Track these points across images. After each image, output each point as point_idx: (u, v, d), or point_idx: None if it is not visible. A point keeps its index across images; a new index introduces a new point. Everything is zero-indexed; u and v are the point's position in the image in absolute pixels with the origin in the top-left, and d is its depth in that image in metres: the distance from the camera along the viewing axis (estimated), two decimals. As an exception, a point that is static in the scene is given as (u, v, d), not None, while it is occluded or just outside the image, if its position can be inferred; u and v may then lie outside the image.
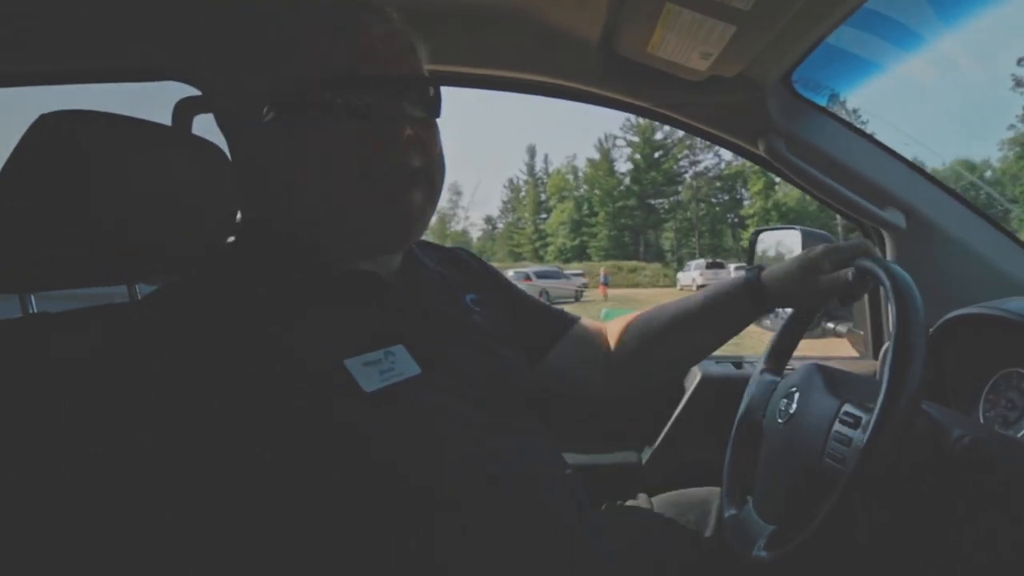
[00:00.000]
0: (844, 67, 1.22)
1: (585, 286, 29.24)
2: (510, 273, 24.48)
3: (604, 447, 0.98)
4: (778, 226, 1.50)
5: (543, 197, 62.84)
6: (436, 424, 0.63)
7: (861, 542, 0.73)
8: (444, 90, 0.70)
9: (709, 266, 31.20)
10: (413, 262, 0.78)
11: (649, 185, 54.26)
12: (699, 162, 54.32)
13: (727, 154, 49.26)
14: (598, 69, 1.12)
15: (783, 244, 1.49)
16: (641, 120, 52.51)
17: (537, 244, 60.93)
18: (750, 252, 1.47)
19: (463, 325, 0.78)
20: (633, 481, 1.08)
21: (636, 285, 40.25)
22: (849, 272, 0.78)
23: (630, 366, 0.94)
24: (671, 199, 55.04)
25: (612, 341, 0.95)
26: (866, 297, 1.38)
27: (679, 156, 53.92)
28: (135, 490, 0.50)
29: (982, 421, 0.99)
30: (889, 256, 1.22)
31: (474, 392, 0.69)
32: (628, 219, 55.03)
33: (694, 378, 1.32)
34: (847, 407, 0.75)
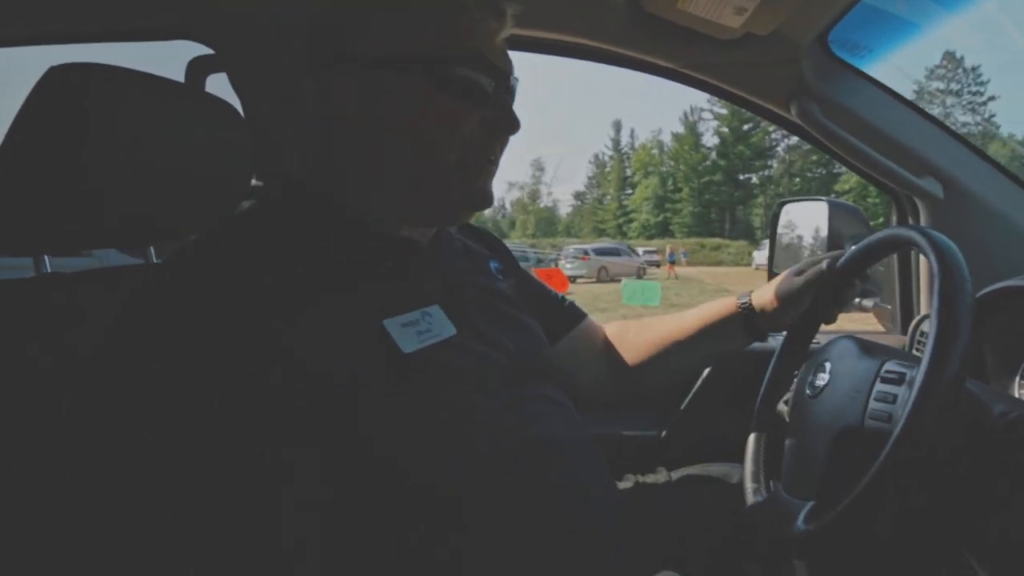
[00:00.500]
0: (883, 27, 1.16)
1: (656, 264, 28.58)
2: (569, 249, 24.10)
3: (623, 420, 0.96)
4: (805, 197, 1.45)
5: (628, 173, 61.31)
6: (471, 386, 0.64)
7: (895, 523, 0.71)
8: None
9: (786, 245, 30.11)
10: (441, 230, 0.78)
11: (736, 159, 52.16)
12: (791, 135, 52.04)
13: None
14: (625, 27, 1.07)
15: (810, 216, 1.45)
16: None
17: (621, 220, 59.63)
18: (772, 226, 1.43)
19: (490, 291, 0.79)
20: (653, 455, 1.06)
21: (719, 263, 38.51)
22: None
23: (626, 375, 0.96)
24: (760, 174, 52.91)
25: (612, 347, 0.98)
26: (896, 269, 1.34)
27: (770, 129, 50.49)
28: (163, 463, 0.49)
29: (1018, 397, 0.96)
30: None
31: (503, 356, 0.70)
32: (713, 195, 53.35)
33: None
34: (889, 364, 0.73)
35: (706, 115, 54.99)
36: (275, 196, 0.70)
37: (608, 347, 0.97)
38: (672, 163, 56.79)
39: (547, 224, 65.38)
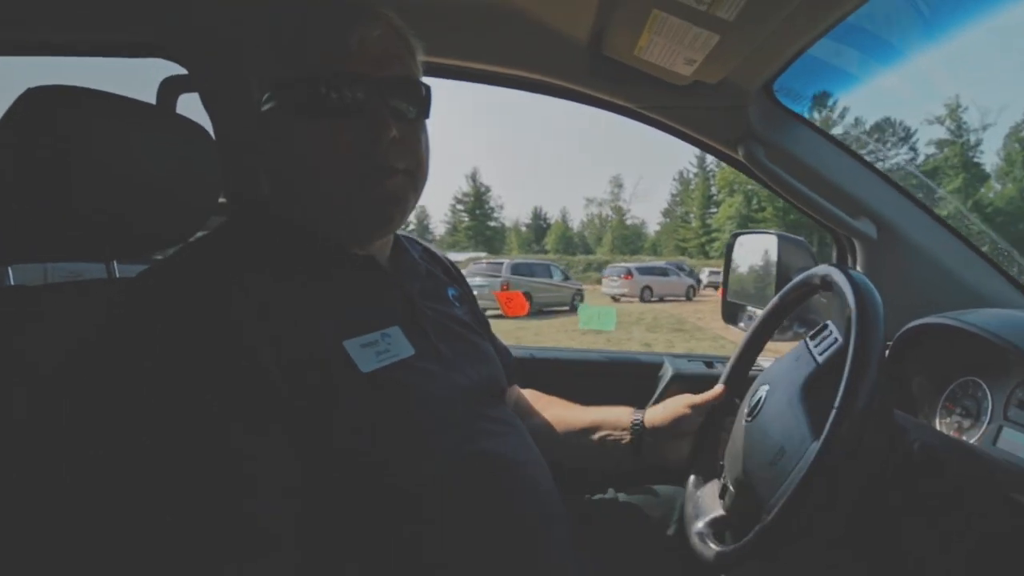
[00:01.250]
0: (824, 78, 1.25)
1: (713, 286, 26.08)
2: (613, 267, 22.99)
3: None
4: (756, 230, 1.53)
5: (713, 191, 58.65)
6: (427, 405, 0.66)
7: (822, 540, 0.76)
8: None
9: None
10: (402, 251, 0.82)
11: None
12: (888, 157, 49.08)
13: (926, 148, 43.82)
14: (586, 68, 1.13)
15: (761, 249, 1.53)
16: (818, 112, 49.55)
17: (703, 239, 57.13)
18: (727, 257, 1.51)
19: (448, 316, 0.82)
20: (603, 475, 1.10)
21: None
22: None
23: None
24: None
25: (521, 413, 0.98)
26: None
27: (863, 148, 49.47)
28: (138, 483, 0.51)
29: (939, 427, 1.03)
30: (860, 264, 1.26)
31: (461, 377, 0.73)
32: (800, 215, 50.49)
33: (666, 375, 1.35)
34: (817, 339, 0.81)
35: None
36: (242, 216, 0.73)
37: (518, 411, 0.99)
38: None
39: (626, 241, 63.06)
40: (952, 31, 1.26)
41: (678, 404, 0.93)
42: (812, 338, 0.86)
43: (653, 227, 67.00)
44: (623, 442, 0.94)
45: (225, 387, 0.53)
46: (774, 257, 1.39)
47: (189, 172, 0.85)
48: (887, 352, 1.13)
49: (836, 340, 0.81)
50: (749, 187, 53.06)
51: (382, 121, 0.66)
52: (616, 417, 0.96)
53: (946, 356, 1.03)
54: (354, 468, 0.59)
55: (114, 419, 0.52)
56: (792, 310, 0.99)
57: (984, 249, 1.22)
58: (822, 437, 0.65)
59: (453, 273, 0.95)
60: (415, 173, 0.71)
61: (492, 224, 62.28)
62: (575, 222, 68.17)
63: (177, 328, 0.54)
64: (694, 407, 0.92)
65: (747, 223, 50.62)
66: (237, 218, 0.73)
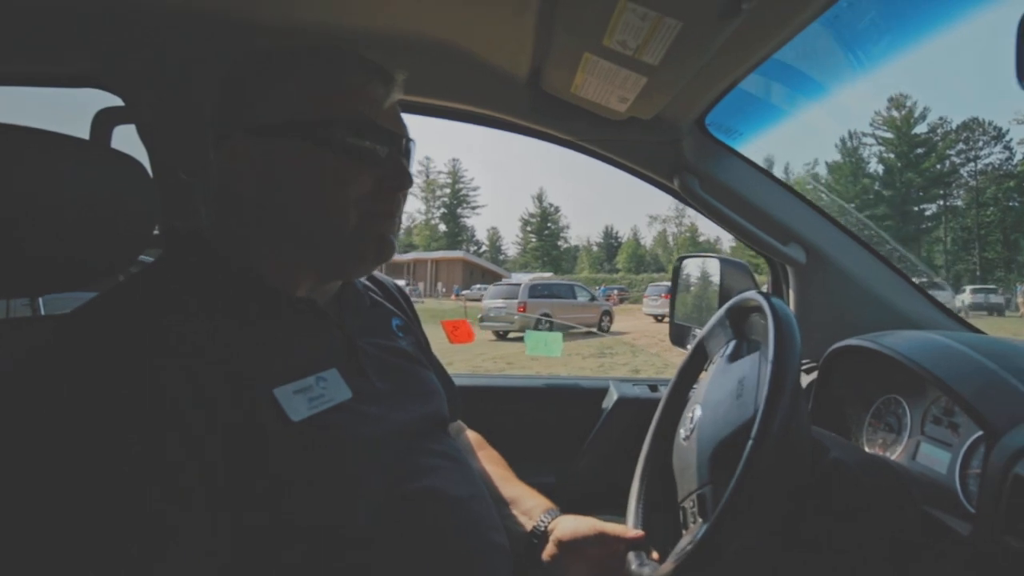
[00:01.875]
0: (753, 112, 1.32)
1: None
2: (654, 287, 21.57)
3: (521, 467, 1.01)
4: (700, 253, 1.58)
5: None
6: (362, 449, 0.66)
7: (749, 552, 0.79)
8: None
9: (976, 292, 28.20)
10: (345, 286, 0.81)
11: (904, 189, 46.12)
12: (980, 157, 44.49)
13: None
14: (527, 104, 1.17)
15: (705, 271, 1.58)
16: (896, 111, 45.16)
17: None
18: (673, 280, 1.55)
19: (390, 350, 0.81)
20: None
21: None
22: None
23: None
24: (940, 204, 45.83)
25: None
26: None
27: (946, 152, 44.56)
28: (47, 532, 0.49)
29: (864, 443, 1.08)
30: (791, 288, 1.32)
31: (401, 415, 0.73)
32: (870, 231, 46.00)
33: (611, 399, 1.38)
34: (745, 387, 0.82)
35: (868, 140, 49.08)
36: (178, 250, 0.71)
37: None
38: (826, 196, 48.68)
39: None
40: (873, 66, 1.35)
41: (585, 524, 0.82)
42: (731, 361, 0.90)
43: (727, 243, 63.51)
44: (521, 531, 0.85)
45: (142, 444, 0.52)
46: (717, 280, 1.45)
47: (120, 205, 0.84)
48: (817, 372, 1.18)
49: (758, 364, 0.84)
50: (824, 198, 50.66)
51: (405, 174, 0.71)
52: (531, 505, 0.88)
53: (871, 375, 1.09)
54: (282, 519, 0.58)
55: (15, 469, 0.50)
56: (724, 334, 1.04)
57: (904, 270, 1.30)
58: (740, 462, 0.69)
59: (399, 300, 0.95)
60: (399, 223, 0.76)
61: (561, 244, 61.17)
62: (648, 240, 66.64)
63: (94, 377, 0.53)
64: (600, 535, 0.81)
65: None
66: (172, 253, 0.72)
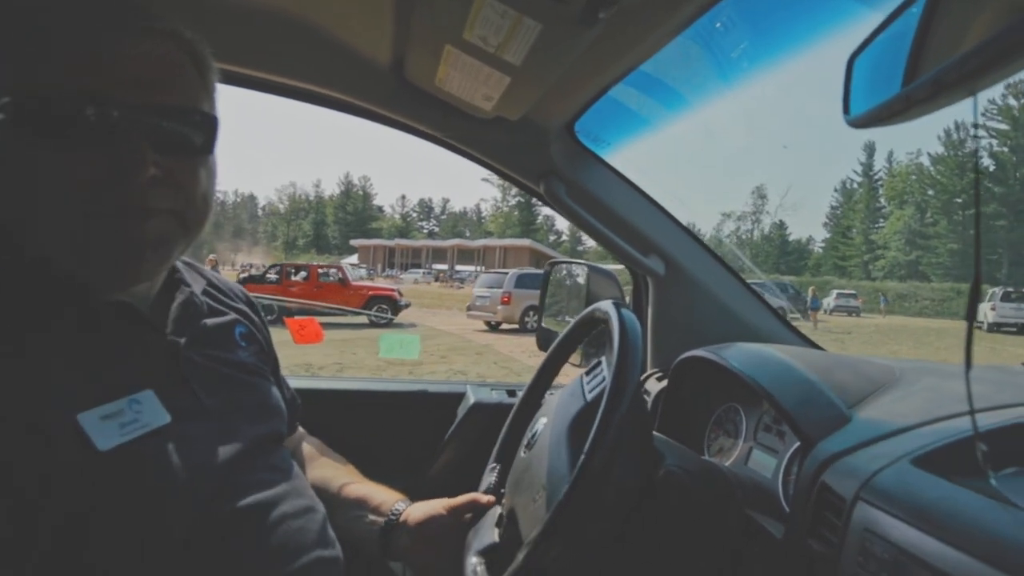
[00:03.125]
0: (621, 122, 1.34)
1: (854, 312, 24.37)
2: None
3: (370, 476, 0.96)
4: (570, 259, 1.60)
5: (882, 202, 52.02)
6: (177, 477, 0.59)
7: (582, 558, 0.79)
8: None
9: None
10: (176, 289, 0.72)
11: (1017, 186, 41.75)
12: None
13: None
14: (389, 92, 1.11)
15: (573, 276, 1.60)
16: (1015, 100, 41.73)
17: (867, 257, 50.12)
18: (543, 285, 1.56)
19: (227, 361, 0.74)
20: None
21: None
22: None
23: None
24: None
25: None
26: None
27: None
28: None
29: (706, 449, 1.14)
30: (651, 297, 1.36)
31: (228, 434, 0.67)
32: (983, 230, 37.82)
33: (467, 404, 1.36)
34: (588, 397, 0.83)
35: (978, 132, 44.98)
36: None
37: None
38: (931, 191, 46.72)
39: (786, 258, 54.76)
40: (738, 81, 1.42)
41: (436, 505, 0.83)
42: (587, 374, 0.90)
43: (818, 243, 59.83)
44: (374, 527, 0.83)
45: None
46: (582, 284, 1.46)
47: None
48: (666, 380, 1.23)
49: (604, 378, 0.85)
50: (922, 198, 46.18)
51: (135, 155, 0.56)
52: (381, 500, 0.85)
53: (714, 385, 1.14)
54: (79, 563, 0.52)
55: None
56: (579, 343, 1.04)
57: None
58: (573, 473, 0.68)
59: (243, 307, 0.86)
60: (184, 214, 0.62)
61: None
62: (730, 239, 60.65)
63: None
64: (451, 509, 0.82)
65: (917, 238, 44.95)
66: None
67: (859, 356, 1.10)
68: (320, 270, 15.01)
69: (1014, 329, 20.42)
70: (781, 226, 58.60)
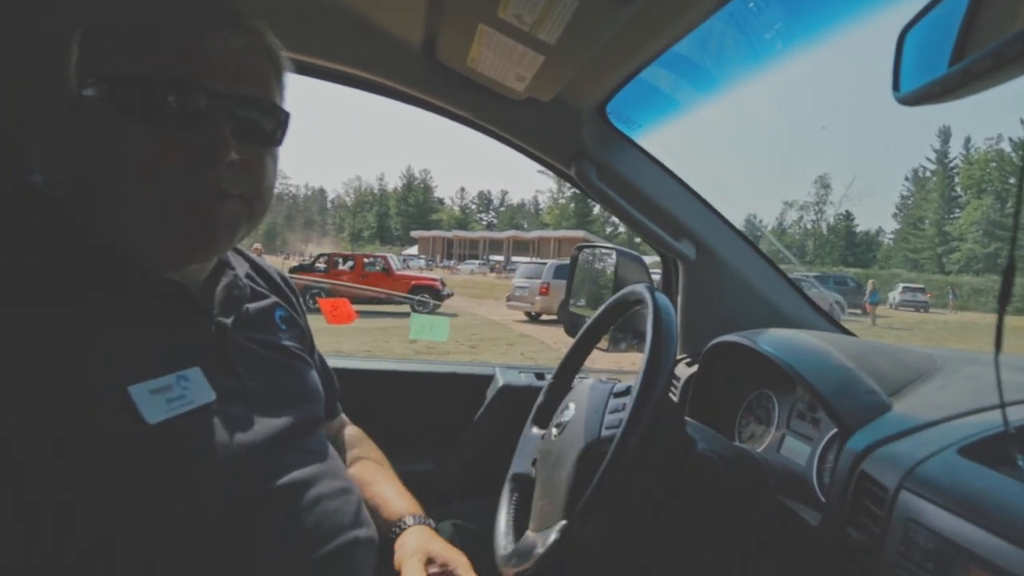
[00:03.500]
0: (653, 103, 1.32)
1: (922, 306, 23.26)
2: None
3: (399, 455, 0.97)
4: (599, 244, 1.59)
5: (957, 191, 48.69)
6: (219, 454, 0.60)
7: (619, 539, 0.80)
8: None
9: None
10: (221, 273, 0.74)
11: None
12: None
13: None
14: (421, 73, 1.11)
15: (603, 263, 1.59)
16: None
17: (940, 249, 47.24)
18: (571, 270, 1.55)
19: (268, 344, 0.76)
20: (425, 489, 1.08)
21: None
22: None
23: None
24: None
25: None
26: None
27: None
28: None
29: (738, 435, 1.12)
30: (681, 282, 1.34)
31: (270, 418, 0.68)
32: None
33: (495, 386, 1.36)
34: (619, 385, 0.84)
35: None
36: (14, 214, 0.61)
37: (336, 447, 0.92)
38: (1013, 179, 36.91)
39: (853, 250, 52.40)
40: (770, 64, 1.38)
41: (422, 551, 0.80)
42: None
43: (887, 234, 57.18)
44: (386, 541, 0.83)
45: None
46: (610, 271, 1.45)
47: None
48: (697, 365, 1.21)
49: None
50: (1003, 187, 43.15)
51: (221, 140, 0.59)
52: (394, 510, 0.86)
53: (746, 371, 1.13)
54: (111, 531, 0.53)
55: None
56: (608, 327, 1.04)
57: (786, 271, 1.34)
58: (611, 447, 0.68)
59: (284, 291, 0.88)
60: (252, 201, 0.65)
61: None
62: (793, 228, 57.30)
63: None
64: (430, 559, 0.80)
65: (996, 229, 42.07)
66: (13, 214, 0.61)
67: (897, 344, 1.07)
68: (366, 259, 15.54)
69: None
70: (848, 217, 55.62)
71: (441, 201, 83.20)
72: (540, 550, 0.72)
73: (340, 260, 15.45)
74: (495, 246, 55.63)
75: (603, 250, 1.53)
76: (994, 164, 45.73)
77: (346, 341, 7.94)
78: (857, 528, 0.70)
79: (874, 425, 0.77)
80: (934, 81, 0.58)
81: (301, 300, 0.91)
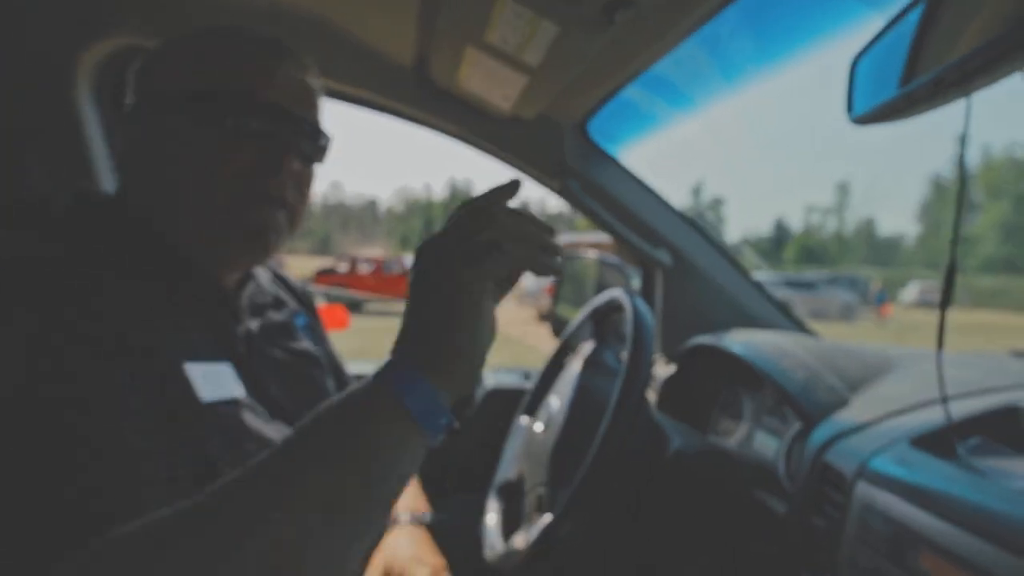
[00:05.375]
0: (631, 121, 1.39)
1: (926, 304, 22.82)
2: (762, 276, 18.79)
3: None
4: (583, 251, 1.64)
5: (978, 195, 48.36)
6: (243, 450, 0.63)
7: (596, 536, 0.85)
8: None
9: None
10: (248, 280, 0.78)
11: None
12: None
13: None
14: (414, 92, 1.16)
15: (585, 266, 1.64)
16: None
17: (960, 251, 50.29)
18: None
19: (291, 351, 0.79)
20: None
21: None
22: None
23: None
24: None
25: None
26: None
27: None
28: None
29: (711, 431, 1.18)
30: (658, 288, 1.41)
31: (289, 421, 0.71)
32: None
33: (483, 388, 1.41)
34: (598, 380, 0.88)
35: None
36: (86, 214, 0.67)
37: None
38: None
39: (877, 252, 53.09)
40: (743, 83, 1.45)
41: (389, 560, 0.84)
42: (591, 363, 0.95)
43: (909, 237, 57.21)
44: None
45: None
46: (591, 280, 1.51)
47: None
48: (675, 366, 1.28)
49: (608, 366, 0.90)
50: (1018, 191, 43.01)
51: (286, 151, 0.66)
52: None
53: (720, 370, 1.19)
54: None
55: None
56: (591, 328, 1.09)
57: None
58: (594, 444, 0.73)
59: (304, 300, 0.92)
60: (297, 211, 0.71)
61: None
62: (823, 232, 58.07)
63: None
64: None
65: (1013, 233, 43.40)
66: (81, 212, 0.67)
67: (857, 344, 1.14)
68: (383, 262, 16.60)
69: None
70: (868, 221, 57.70)
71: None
72: (525, 548, 0.77)
73: (362, 263, 16.60)
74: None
75: (587, 256, 1.59)
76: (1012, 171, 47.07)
77: (339, 342, 7.89)
78: (820, 516, 0.76)
79: (835, 419, 0.83)
80: (883, 104, 0.64)
81: (318, 316, 0.95)
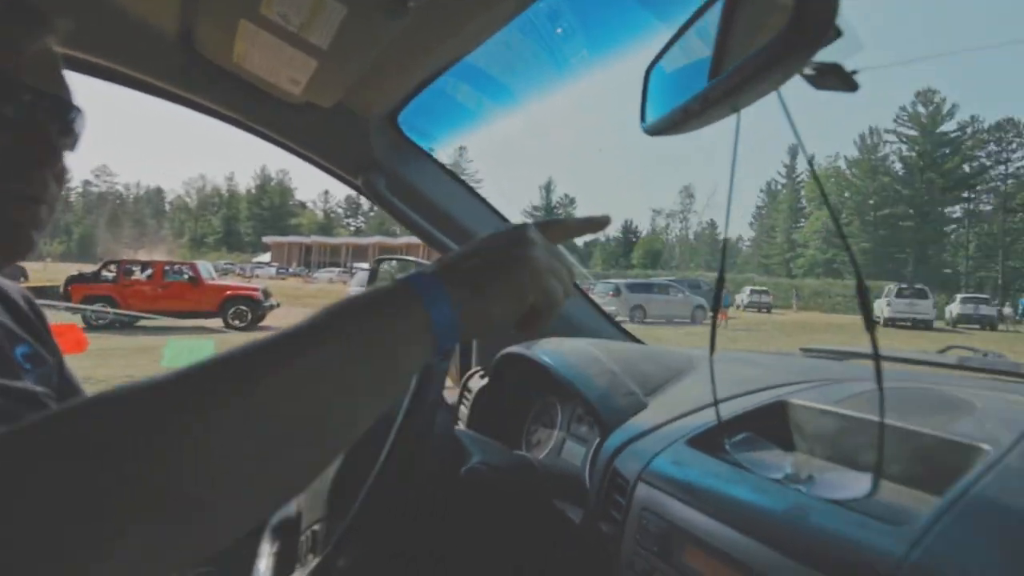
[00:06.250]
0: (447, 115, 1.32)
1: (766, 308, 25.05)
2: (603, 284, 20.14)
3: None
4: (398, 256, 1.56)
5: (802, 203, 53.32)
6: None
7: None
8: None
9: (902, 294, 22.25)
10: None
11: (922, 189, 44.49)
12: (1011, 160, 43.71)
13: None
14: (178, 66, 0.98)
15: (403, 272, 1.55)
16: (923, 107, 44.43)
17: (788, 255, 51.63)
18: (370, 280, 1.50)
19: (8, 392, 0.61)
20: None
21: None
22: None
23: None
24: (965, 207, 44.52)
25: None
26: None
27: (972, 153, 44.23)
28: None
29: (525, 442, 1.16)
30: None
31: None
32: (891, 231, 45.20)
33: None
34: None
35: (889, 137, 47.83)
36: None
37: None
38: (850, 193, 48.67)
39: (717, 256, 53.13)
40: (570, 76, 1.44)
41: None
42: None
43: (745, 242, 60.62)
44: None
45: None
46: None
47: None
48: (487, 376, 1.24)
49: None
50: (839, 199, 47.72)
51: (51, 143, 0.55)
52: None
53: (532, 379, 1.17)
54: None
55: None
56: None
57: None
58: (376, 466, 0.66)
59: (29, 317, 0.72)
60: (54, 206, 0.59)
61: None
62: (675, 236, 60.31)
63: None
64: None
65: (833, 237, 44.69)
66: None
67: (666, 347, 1.19)
68: (167, 267, 13.65)
69: (908, 324, 21.24)
70: (712, 225, 61.63)
71: (303, 205, 76.73)
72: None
73: (135, 268, 13.45)
74: (359, 253, 52.57)
75: (403, 262, 1.51)
76: (832, 179, 51.73)
77: (93, 368, 6.64)
78: (607, 521, 0.75)
79: (629, 424, 0.84)
80: (667, 115, 0.64)
81: (44, 319, 0.75)
